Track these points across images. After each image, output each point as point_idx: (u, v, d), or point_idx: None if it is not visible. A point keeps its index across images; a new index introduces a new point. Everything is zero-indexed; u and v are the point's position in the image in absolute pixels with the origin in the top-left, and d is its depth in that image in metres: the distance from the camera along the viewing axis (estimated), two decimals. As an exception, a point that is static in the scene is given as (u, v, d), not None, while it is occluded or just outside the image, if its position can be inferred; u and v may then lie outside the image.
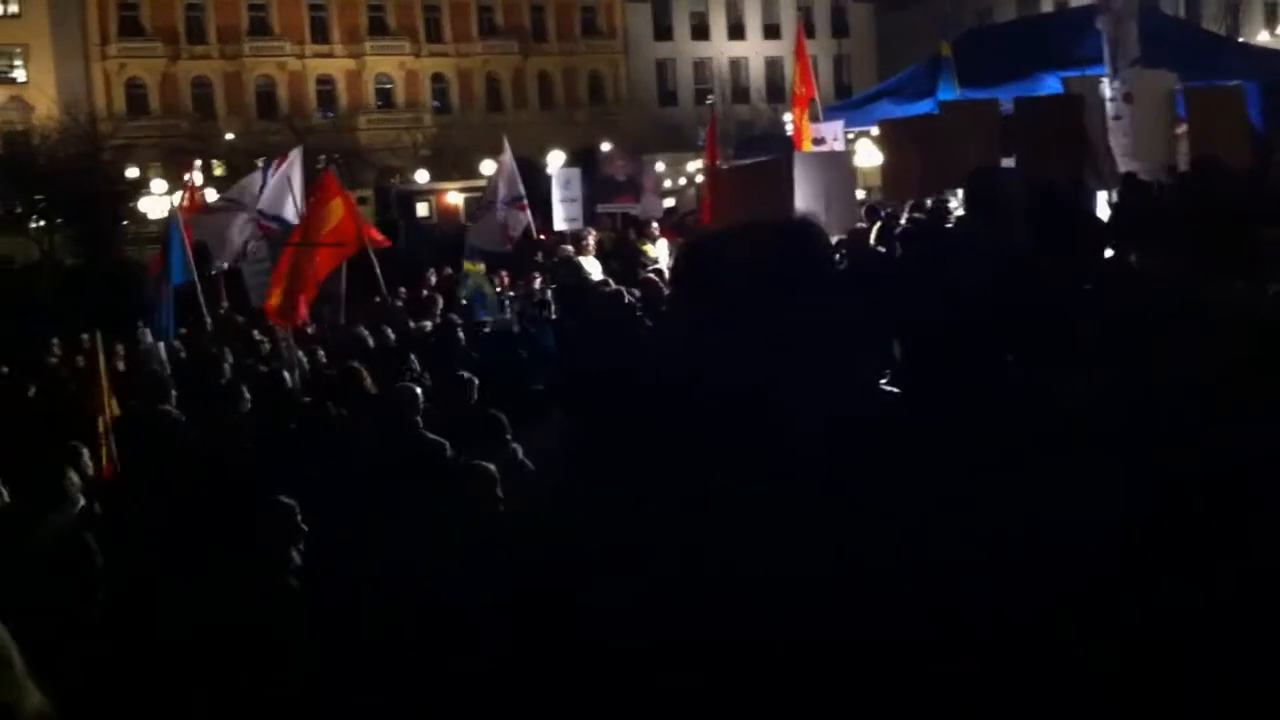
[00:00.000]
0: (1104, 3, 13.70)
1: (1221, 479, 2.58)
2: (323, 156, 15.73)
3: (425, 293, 15.29)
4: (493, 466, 5.98)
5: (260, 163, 19.57)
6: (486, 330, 12.18)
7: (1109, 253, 9.51)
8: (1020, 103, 13.66)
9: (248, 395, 8.87)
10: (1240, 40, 36.42)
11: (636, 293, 12.10)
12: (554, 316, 11.68)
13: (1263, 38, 43.64)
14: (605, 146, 42.71)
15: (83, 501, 6.77)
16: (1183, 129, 13.87)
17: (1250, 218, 6.73)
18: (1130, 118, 12.76)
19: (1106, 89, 13.00)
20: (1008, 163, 13.13)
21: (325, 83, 63.50)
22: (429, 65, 65.38)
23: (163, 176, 47.46)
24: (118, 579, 5.96)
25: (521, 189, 15.87)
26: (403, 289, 15.67)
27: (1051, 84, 14.09)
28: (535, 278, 14.90)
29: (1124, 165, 12.43)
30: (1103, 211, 12.51)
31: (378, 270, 14.24)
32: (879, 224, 13.39)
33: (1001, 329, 3.58)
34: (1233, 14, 55.95)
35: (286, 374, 10.05)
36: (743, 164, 15.36)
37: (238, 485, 6.78)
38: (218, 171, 51.19)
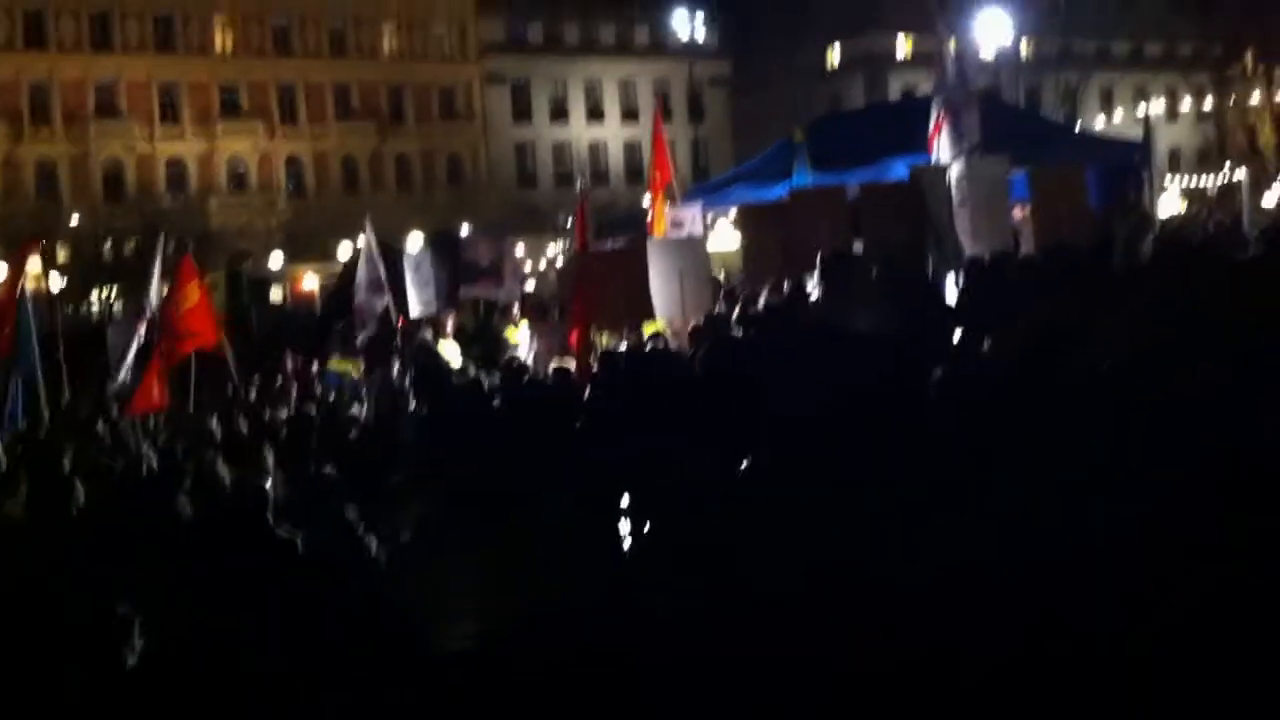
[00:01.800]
0: (943, 91, 14.19)
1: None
2: (172, 240, 15.34)
3: (280, 381, 14.96)
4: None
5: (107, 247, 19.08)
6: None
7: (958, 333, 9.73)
8: (865, 189, 14.06)
9: (82, 489, 8.50)
10: (1078, 127, 38.10)
11: (496, 378, 12.00)
12: (412, 405, 11.49)
13: (1099, 123, 45.75)
14: (465, 228, 42.64)
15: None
16: (1023, 212, 14.39)
17: (1094, 300, 6.97)
18: (971, 202, 13.18)
19: (951, 175, 13.42)
20: (859, 246, 13.45)
21: (175, 165, 62.31)
22: (283, 147, 64.68)
23: (5, 260, 45.83)
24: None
25: (383, 272, 15.69)
26: (256, 376, 15.31)
27: (900, 169, 14.48)
28: (393, 364, 14.67)
29: (969, 249, 12.80)
30: (950, 294, 12.86)
31: (230, 358, 13.96)
32: (738, 307, 13.53)
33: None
34: (1070, 101, 58.74)
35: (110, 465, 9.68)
36: (605, 248, 15.44)
37: (79, 588, 6.48)
38: (61, 257, 49.69)
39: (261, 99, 64.08)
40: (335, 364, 13.37)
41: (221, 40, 63.50)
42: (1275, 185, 42.21)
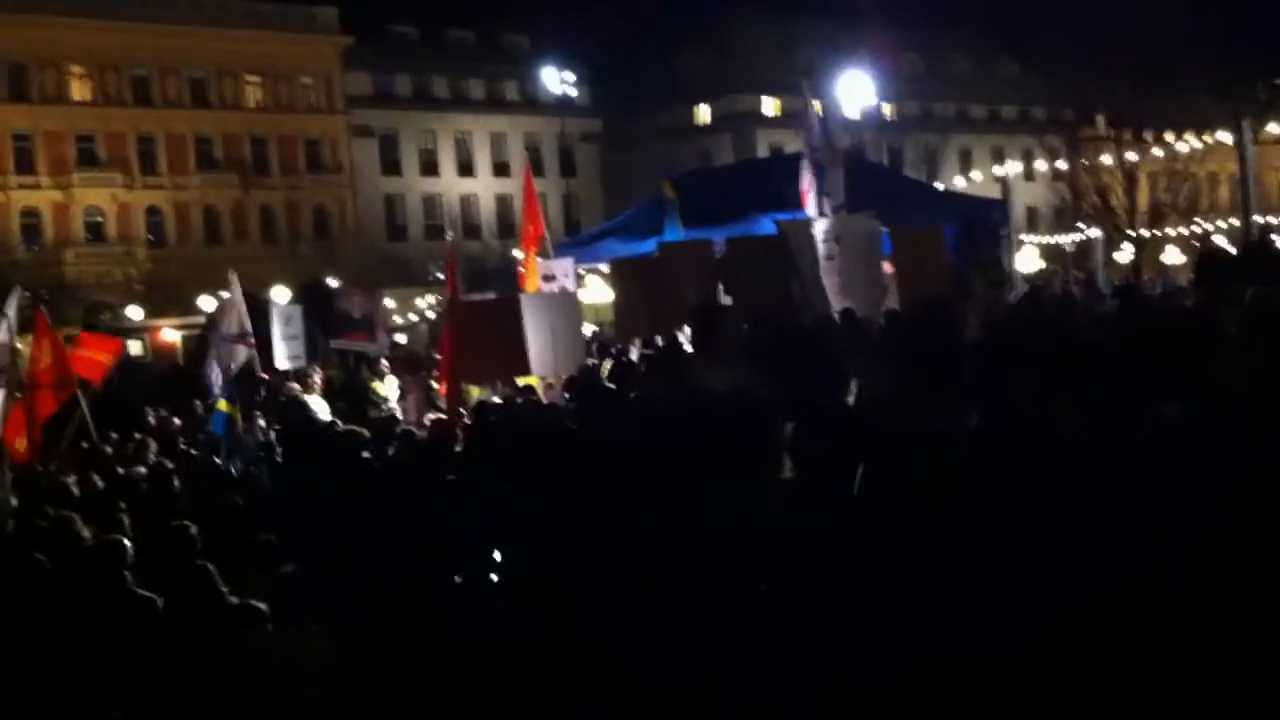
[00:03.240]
0: (809, 150, 14.50)
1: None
2: (27, 293, 14.83)
3: (138, 436, 14.48)
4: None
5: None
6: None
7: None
8: (731, 243, 14.23)
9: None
10: (938, 185, 39.22)
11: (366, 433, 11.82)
12: (279, 458, 11.25)
13: (958, 182, 47.09)
14: (332, 281, 42.10)
15: None
16: (890, 267, 14.72)
17: (958, 357, 7.16)
18: (840, 258, 13.43)
19: (818, 230, 13.67)
20: (727, 300, 13.61)
21: (30, 215, 60.27)
22: (143, 197, 62.99)
23: None
24: None
25: (249, 325, 15.36)
26: (113, 433, 14.82)
27: (767, 225, 14.69)
28: (258, 417, 14.37)
29: (837, 303, 13.03)
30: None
31: (86, 412, 13.54)
32: (610, 360, 13.58)
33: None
34: (930, 161, 60.63)
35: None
36: (477, 300, 15.36)
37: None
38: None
39: (120, 149, 62.39)
40: (224, 406, 13.12)
41: (79, 89, 61.92)
42: (1126, 244, 43.95)
